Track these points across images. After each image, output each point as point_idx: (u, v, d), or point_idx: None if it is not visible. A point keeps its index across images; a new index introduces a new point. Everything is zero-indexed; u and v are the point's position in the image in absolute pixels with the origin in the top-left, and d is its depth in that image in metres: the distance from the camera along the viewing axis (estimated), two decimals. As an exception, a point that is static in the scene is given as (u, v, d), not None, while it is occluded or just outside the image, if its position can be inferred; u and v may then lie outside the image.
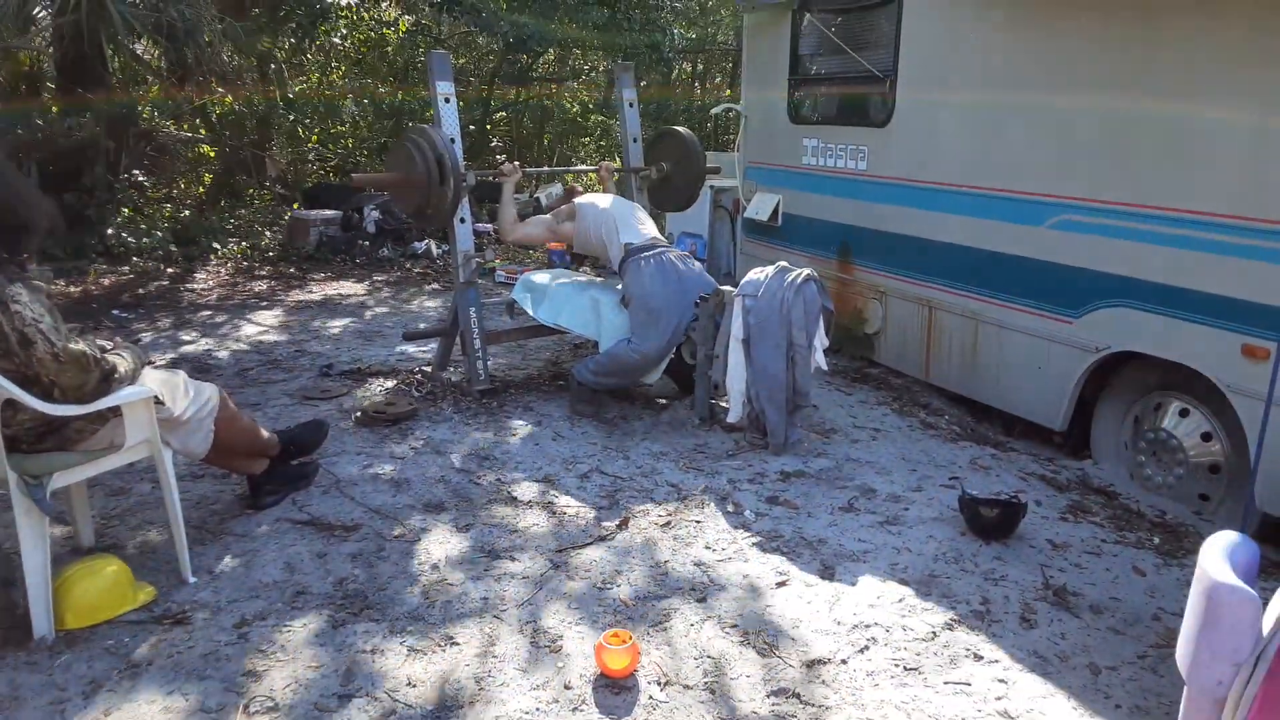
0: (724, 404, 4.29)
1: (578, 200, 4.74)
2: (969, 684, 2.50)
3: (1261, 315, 3.29)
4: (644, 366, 4.27)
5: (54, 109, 8.38)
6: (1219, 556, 2.06)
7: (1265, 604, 1.95)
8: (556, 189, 9.54)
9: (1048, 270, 4.09)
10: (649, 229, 4.64)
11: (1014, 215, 4.24)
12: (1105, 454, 4.11)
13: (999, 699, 2.43)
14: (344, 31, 11.09)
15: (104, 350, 2.66)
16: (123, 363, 2.67)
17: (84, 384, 2.54)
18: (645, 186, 5.39)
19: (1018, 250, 4.24)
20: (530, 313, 4.63)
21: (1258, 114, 3.28)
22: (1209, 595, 1.97)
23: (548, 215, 4.84)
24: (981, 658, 2.62)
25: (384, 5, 10.84)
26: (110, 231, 8.03)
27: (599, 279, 5.02)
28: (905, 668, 2.56)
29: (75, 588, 2.62)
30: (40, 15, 6.84)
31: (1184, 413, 3.75)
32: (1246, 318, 3.34)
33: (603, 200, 4.76)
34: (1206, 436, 3.68)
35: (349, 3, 10.40)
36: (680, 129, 5.41)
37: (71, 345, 2.50)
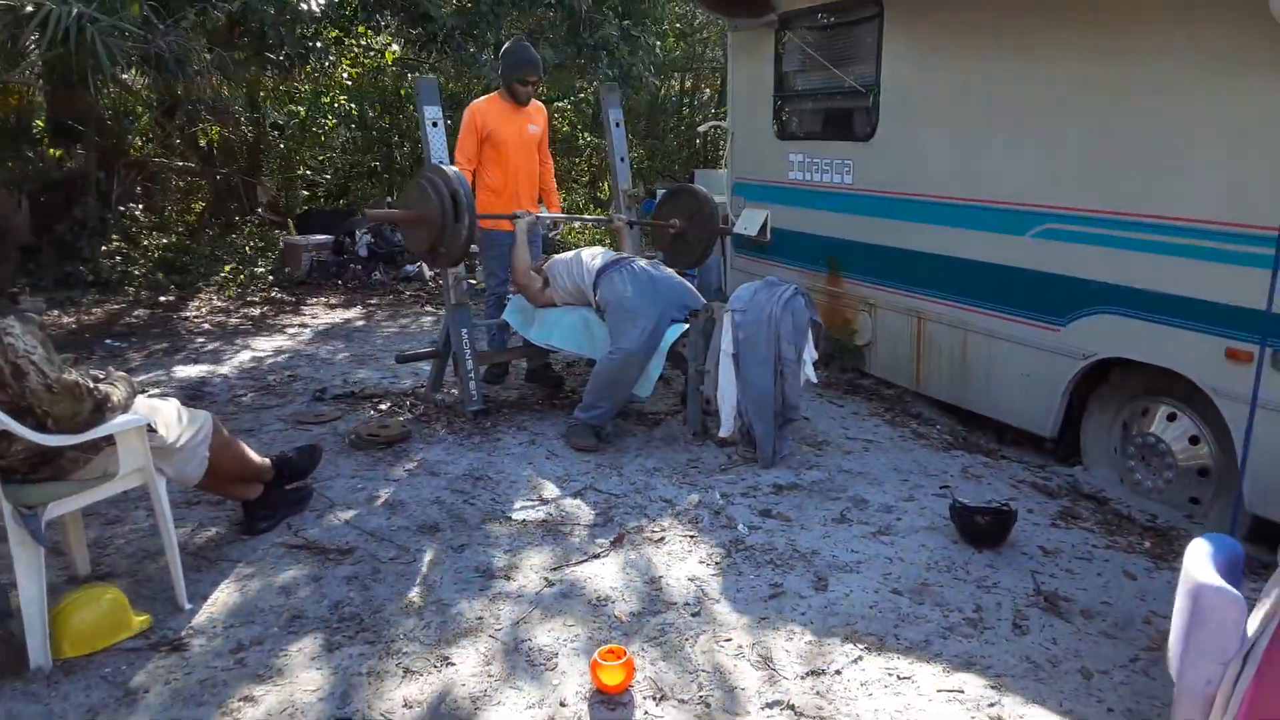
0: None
1: (545, 265, 4.81)
2: (962, 691, 2.51)
3: (1243, 318, 3.33)
4: (628, 369, 4.24)
5: (45, 142, 8.42)
6: (1203, 558, 2.08)
7: (1251, 604, 1.97)
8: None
9: (1033, 279, 4.13)
10: (612, 253, 4.74)
11: (998, 225, 4.28)
12: (1095, 460, 4.13)
13: (992, 705, 2.45)
14: (332, 59, 11.13)
15: (97, 380, 2.68)
16: (115, 392, 2.69)
17: (77, 414, 2.55)
18: (633, 205, 5.43)
19: (1003, 260, 4.28)
20: (522, 334, 4.69)
21: (1236, 121, 3.33)
22: (1194, 597, 1.99)
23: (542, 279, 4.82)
24: (974, 665, 2.64)
25: (374, 35, 10.85)
26: (103, 262, 8.05)
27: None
28: (899, 676, 2.58)
29: (72, 617, 2.62)
30: (30, 49, 6.86)
31: (1171, 417, 3.79)
32: (1229, 321, 3.38)
33: (566, 253, 4.88)
34: (1194, 440, 3.71)
35: (334, 38, 10.43)
36: (695, 186, 5.44)
37: (64, 376, 2.52)
